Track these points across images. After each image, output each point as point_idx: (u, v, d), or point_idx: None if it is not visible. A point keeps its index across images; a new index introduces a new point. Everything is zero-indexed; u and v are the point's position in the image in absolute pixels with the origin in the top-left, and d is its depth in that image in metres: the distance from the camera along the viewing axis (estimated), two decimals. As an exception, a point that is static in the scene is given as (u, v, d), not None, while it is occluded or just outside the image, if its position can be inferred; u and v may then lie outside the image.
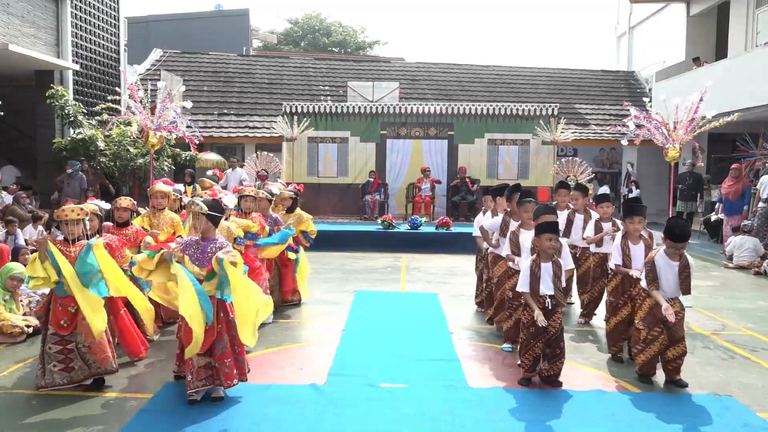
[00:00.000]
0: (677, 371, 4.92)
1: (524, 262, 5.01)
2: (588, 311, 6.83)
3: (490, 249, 6.26)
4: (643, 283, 5.01)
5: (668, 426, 4.18)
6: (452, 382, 4.91)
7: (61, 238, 4.79)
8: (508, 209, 6.07)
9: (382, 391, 4.73)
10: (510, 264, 5.59)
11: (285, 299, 7.29)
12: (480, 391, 4.76)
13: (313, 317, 7.04)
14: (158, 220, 6.24)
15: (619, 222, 6.52)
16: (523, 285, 4.88)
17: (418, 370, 5.16)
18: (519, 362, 5.09)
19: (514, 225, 5.79)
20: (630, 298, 5.47)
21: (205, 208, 4.58)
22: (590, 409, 4.43)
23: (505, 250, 5.70)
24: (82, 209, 4.82)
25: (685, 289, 4.85)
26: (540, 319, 4.69)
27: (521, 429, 4.11)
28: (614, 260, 5.54)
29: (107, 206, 5.61)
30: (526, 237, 5.42)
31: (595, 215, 6.77)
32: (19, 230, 9.43)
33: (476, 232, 6.90)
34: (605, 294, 6.64)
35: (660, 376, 5.09)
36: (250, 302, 4.48)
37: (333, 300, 7.77)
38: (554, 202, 7.40)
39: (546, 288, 4.82)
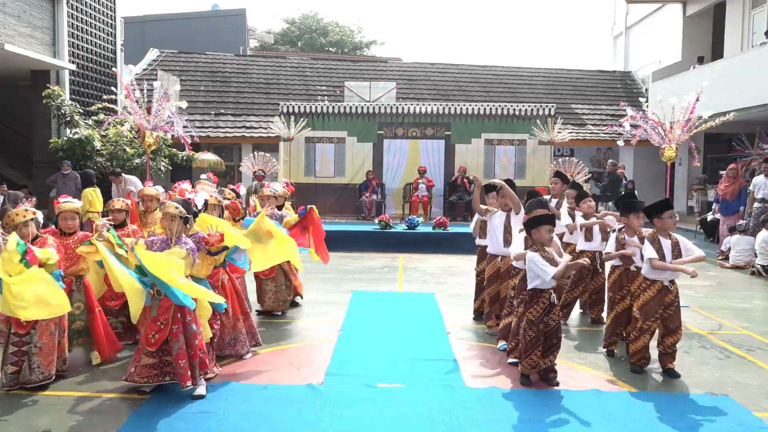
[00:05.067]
0: (671, 358, 5.15)
1: (534, 257, 4.87)
2: (565, 308, 6.82)
3: (478, 242, 6.47)
4: (643, 261, 5.16)
5: (665, 425, 4.19)
6: (449, 382, 4.91)
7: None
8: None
9: (379, 391, 4.73)
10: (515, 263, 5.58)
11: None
12: (477, 391, 4.76)
13: (310, 317, 7.03)
14: (148, 219, 6.40)
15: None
16: (550, 270, 4.72)
17: (415, 370, 5.16)
18: (515, 359, 5.11)
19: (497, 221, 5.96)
20: (628, 292, 5.58)
21: (183, 210, 4.63)
22: (587, 409, 4.44)
23: (515, 246, 5.65)
24: (28, 210, 4.78)
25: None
26: (585, 261, 4.84)
27: (518, 429, 4.11)
28: (608, 248, 5.72)
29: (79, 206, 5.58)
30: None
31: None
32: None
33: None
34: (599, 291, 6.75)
35: (654, 375, 5.13)
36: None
37: (330, 300, 7.77)
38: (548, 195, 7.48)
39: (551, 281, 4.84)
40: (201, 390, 4.56)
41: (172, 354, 4.51)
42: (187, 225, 4.71)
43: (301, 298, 7.62)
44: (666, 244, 5.11)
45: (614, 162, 16.53)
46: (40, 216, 5.13)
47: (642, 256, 5.22)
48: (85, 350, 5.36)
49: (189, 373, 4.48)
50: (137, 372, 4.54)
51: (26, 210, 4.78)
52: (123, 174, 12.50)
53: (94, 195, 10.69)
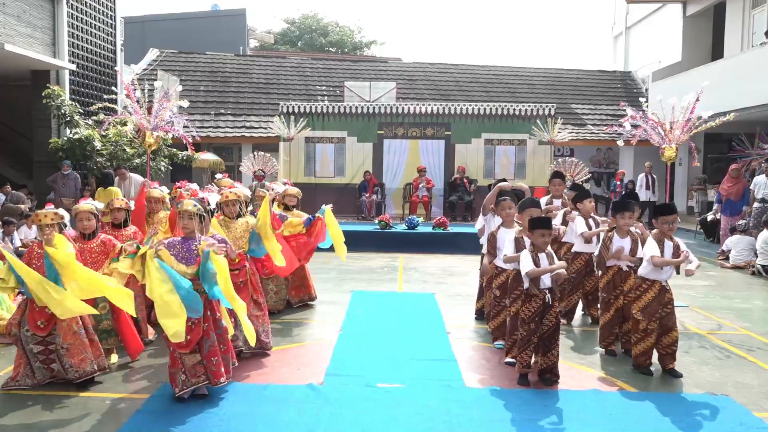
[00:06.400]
0: (671, 358, 5.15)
1: (522, 253, 4.94)
2: (569, 312, 6.81)
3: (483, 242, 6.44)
4: (645, 257, 5.19)
5: (664, 425, 4.19)
6: (449, 382, 4.91)
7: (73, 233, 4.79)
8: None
9: (379, 391, 4.72)
10: (497, 263, 5.64)
11: (297, 299, 7.41)
12: (477, 391, 4.77)
13: (310, 317, 7.04)
14: (152, 220, 6.42)
15: (599, 218, 6.58)
16: (527, 266, 4.78)
17: (415, 370, 5.15)
18: (512, 359, 5.11)
19: (493, 225, 5.90)
20: (622, 292, 5.63)
21: (201, 208, 4.66)
22: (587, 409, 4.44)
23: (506, 249, 5.68)
24: (56, 213, 4.78)
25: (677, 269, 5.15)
26: (561, 271, 4.76)
27: (518, 429, 4.11)
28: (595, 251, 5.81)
29: (101, 205, 5.60)
30: (505, 234, 5.57)
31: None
32: (15, 231, 9.39)
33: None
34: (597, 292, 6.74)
35: (654, 375, 5.14)
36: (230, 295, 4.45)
37: (330, 300, 7.77)
38: (548, 195, 7.48)
39: (545, 281, 4.83)
40: (203, 390, 4.55)
41: (203, 352, 4.49)
42: (203, 224, 4.72)
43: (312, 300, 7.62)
44: (668, 245, 5.13)
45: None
46: (66, 219, 5.09)
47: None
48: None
49: (222, 369, 4.51)
50: (190, 374, 4.45)
51: (55, 213, 4.76)
52: (129, 172, 12.48)
53: (102, 195, 10.57)
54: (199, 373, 4.47)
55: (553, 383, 4.84)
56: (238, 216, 5.65)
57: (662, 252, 5.09)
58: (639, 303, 5.18)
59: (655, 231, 5.27)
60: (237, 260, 5.09)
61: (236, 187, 6.30)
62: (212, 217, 5.24)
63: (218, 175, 6.99)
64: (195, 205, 4.63)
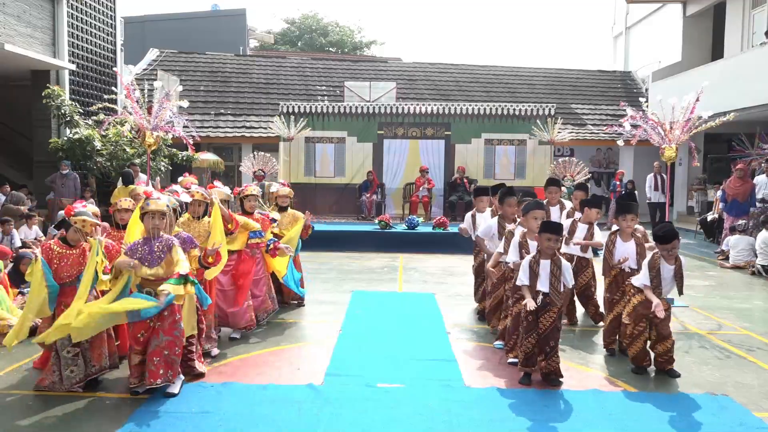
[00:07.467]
0: (668, 364, 5.13)
1: (525, 259, 4.99)
2: (568, 313, 6.80)
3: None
4: (636, 281, 5.14)
5: (665, 425, 4.19)
6: (449, 382, 4.91)
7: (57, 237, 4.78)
8: (500, 212, 6.19)
9: (378, 391, 4.73)
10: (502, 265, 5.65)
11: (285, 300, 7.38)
12: (477, 390, 4.77)
13: (310, 317, 7.03)
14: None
15: (596, 228, 6.48)
16: (522, 279, 4.90)
17: (415, 370, 5.16)
18: (514, 358, 5.12)
19: (509, 225, 5.88)
20: (624, 293, 5.58)
21: (172, 205, 4.73)
22: (587, 409, 4.44)
23: (511, 253, 5.65)
24: (95, 216, 4.77)
25: (680, 290, 5.07)
26: (530, 304, 4.73)
27: (518, 429, 4.11)
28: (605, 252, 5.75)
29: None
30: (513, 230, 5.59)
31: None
32: (15, 230, 9.39)
33: (467, 227, 6.95)
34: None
35: (654, 375, 5.16)
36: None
37: (330, 300, 7.77)
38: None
39: (542, 285, 4.83)
40: (174, 389, 4.55)
41: (148, 350, 4.51)
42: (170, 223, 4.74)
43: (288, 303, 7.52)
44: (668, 270, 5.01)
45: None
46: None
47: (648, 268, 5.14)
48: None
49: (160, 371, 4.47)
50: (131, 373, 4.57)
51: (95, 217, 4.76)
52: (140, 171, 12.48)
53: (122, 192, 10.35)
54: (136, 373, 4.55)
55: (558, 384, 4.84)
56: (202, 216, 5.58)
57: (661, 276, 4.99)
58: (628, 307, 5.22)
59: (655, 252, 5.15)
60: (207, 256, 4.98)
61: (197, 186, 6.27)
62: (180, 216, 5.25)
63: (181, 177, 6.84)
64: (168, 206, 4.64)
